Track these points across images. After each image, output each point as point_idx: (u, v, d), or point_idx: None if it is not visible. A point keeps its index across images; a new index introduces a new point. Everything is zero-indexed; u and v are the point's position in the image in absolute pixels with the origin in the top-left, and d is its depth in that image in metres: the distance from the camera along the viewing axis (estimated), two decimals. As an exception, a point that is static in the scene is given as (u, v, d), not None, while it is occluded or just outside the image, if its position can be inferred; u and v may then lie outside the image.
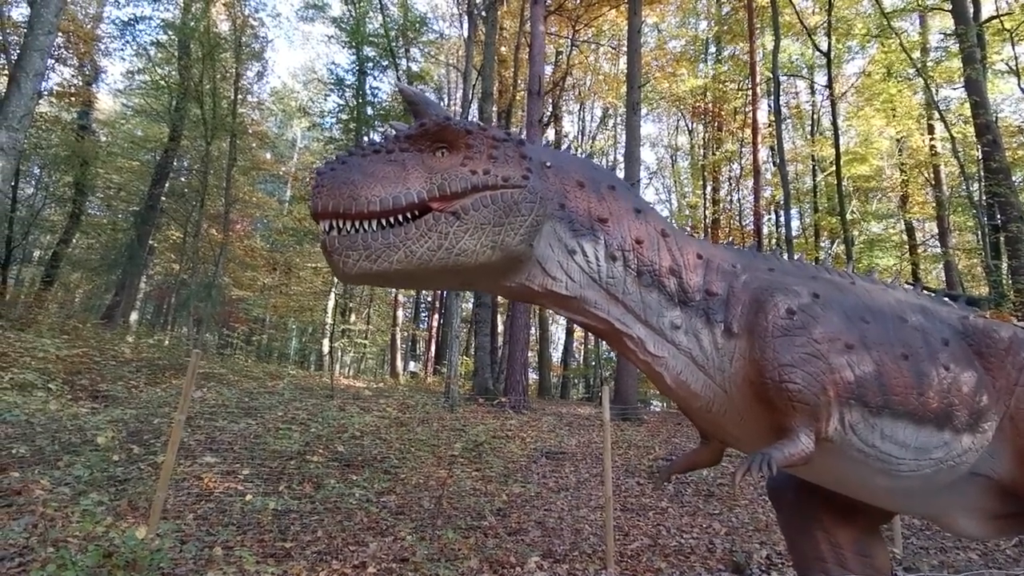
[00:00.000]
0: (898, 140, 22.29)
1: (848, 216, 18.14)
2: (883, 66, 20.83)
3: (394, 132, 2.33)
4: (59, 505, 4.67)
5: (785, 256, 3.09)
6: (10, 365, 7.99)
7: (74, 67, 20.61)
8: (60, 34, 15.44)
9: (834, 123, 17.88)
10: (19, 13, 17.45)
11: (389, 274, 2.13)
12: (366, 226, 2.09)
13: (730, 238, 26.07)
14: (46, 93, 18.00)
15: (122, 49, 22.90)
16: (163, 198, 23.00)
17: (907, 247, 22.52)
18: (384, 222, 2.10)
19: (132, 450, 5.90)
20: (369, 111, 24.98)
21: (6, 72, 14.77)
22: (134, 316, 23.34)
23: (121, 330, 18.43)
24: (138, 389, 9.16)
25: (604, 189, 2.56)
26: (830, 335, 2.49)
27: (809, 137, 26.38)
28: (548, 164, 2.48)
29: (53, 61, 17.43)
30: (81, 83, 21.00)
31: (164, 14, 22.89)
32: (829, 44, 18.03)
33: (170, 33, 22.42)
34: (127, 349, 13.08)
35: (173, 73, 23.02)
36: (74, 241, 22.74)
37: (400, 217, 2.12)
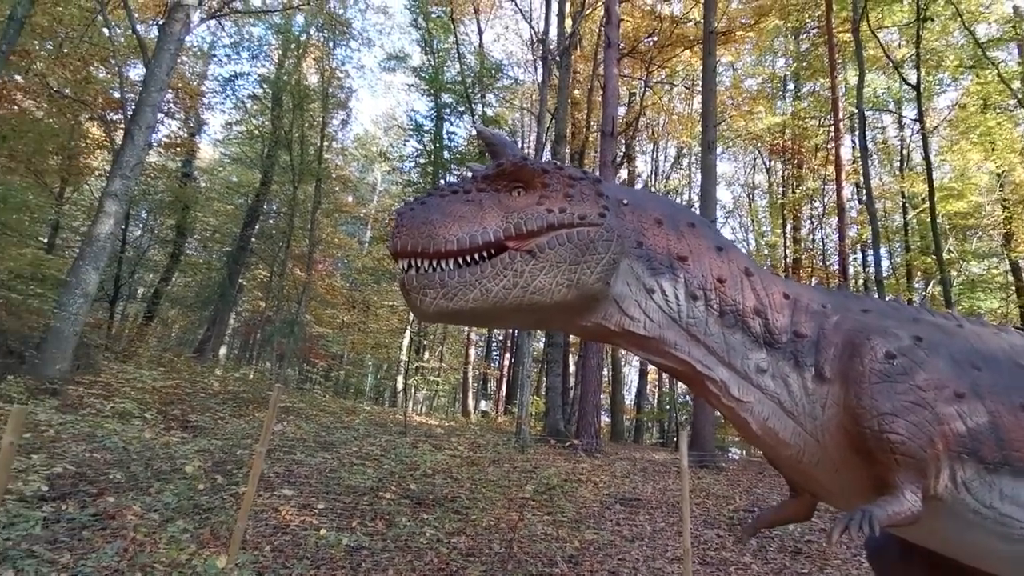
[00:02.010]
0: (999, 175, 20.87)
1: (945, 255, 17.01)
2: (979, 98, 19.71)
3: (471, 173, 2.36)
4: (148, 531, 4.88)
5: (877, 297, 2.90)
6: (112, 394, 8.56)
7: (180, 120, 22.50)
8: (169, 91, 16.91)
9: (926, 158, 16.96)
10: (135, 73, 19.28)
11: (465, 312, 2.14)
12: (443, 265, 2.12)
13: (812, 278, 25.02)
14: (155, 144, 19.65)
15: (222, 103, 24.98)
16: (253, 239, 24.46)
17: (1013, 289, 20.81)
18: (461, 261, 2.12)
19: (216, 480, 6.13)
20: (446, 155, 25.83)
21: (122, 126, 16.26)
22: (223, 350, 24.68)
23: (211, 363, 19.47)
24: (223, 420, 9.56)
25: (683, 227, 2.49)
26: (936, 382, 2.29)
27: (898, 173, 25.12)
28: (625, 202, 2.45)
29: (163, 115, 19.07)
30: (186, 134, 22.89)
31: (260, 70, 24.75)
32: (918, 77, 17.26)
33: (265, 87, 24.19)
34: (215, 382, 13.75)
35: (266, 123, 24.74)
36: (173, 279, 24.43)
37: (477, 256, 2.13)
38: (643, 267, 2.35)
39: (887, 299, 2.89)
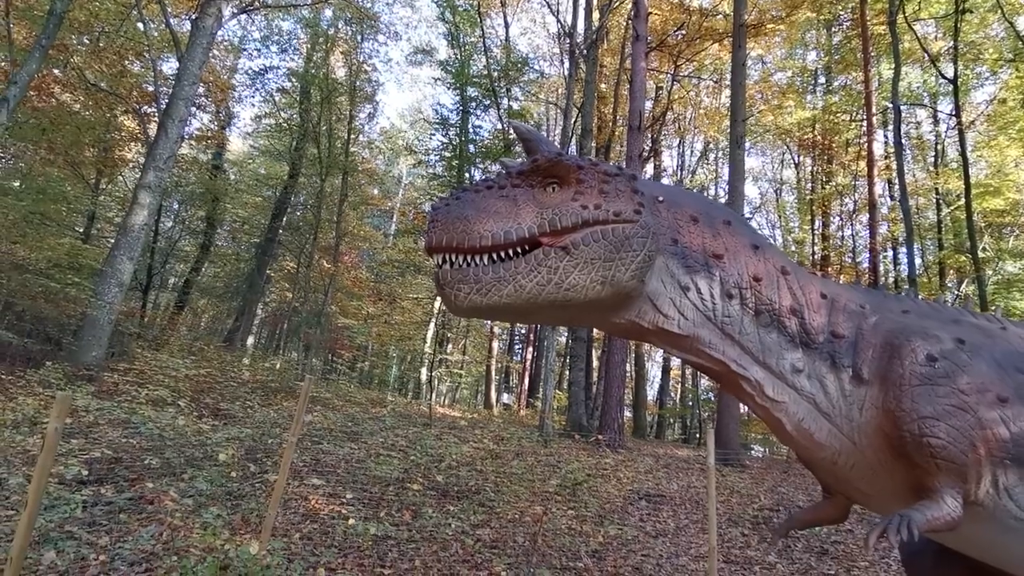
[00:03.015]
0: (1038, 171, 20.28)
1: (980, 254, 16.58)
2: (1019, 92, 19.14)
3: (505, 168, 2.36)
4: (183, 516, 5.01)
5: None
6: (147, 382, 8.75)
7: (211, 113, 22.88)
8: (201, 84, 17.19)
9: (963, 154, 16.53)
10: (168, 67, 19.63)
11: (499, 308, 2.13)
12: (477, 260, 2.12)
13: (841, 276, 24.59)
14: (187, 137, 20.01)
15: (252, 96, 25.35)
16: (280, 231, 24.80)
17: (1052, 289, 20.21)
18: (495, 256, 2.13)
19: (248, 467, 6.26)
20: (471, 149, 25.85)
21: (155, 119, 16.58)
22: (250, 340, 25.09)
23: (239, 353, 19.81)
24: (253, 409, 9.73)
25: (719, 224, 2.47)
26: (979, 386, 2.24)
27: (932, 169, 24.54)
28: (661, 199, 2.43)
29: (195, 108, 19.39)
30: (216, 127, 23.26)
31: (290, 63, 25.05)
32: (955, 70, 16.82)
33: (294, 80, 24.46)
34: (245, 371, 13.99)
35: (294, 116, 25.03)
36: (203, 270, 24.89)
37: (511, 252, 2.13)
38: (678, 264, 2.34)
39: (925, 299, 2.83)
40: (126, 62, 17.32)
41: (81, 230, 17.99)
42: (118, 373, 9.27)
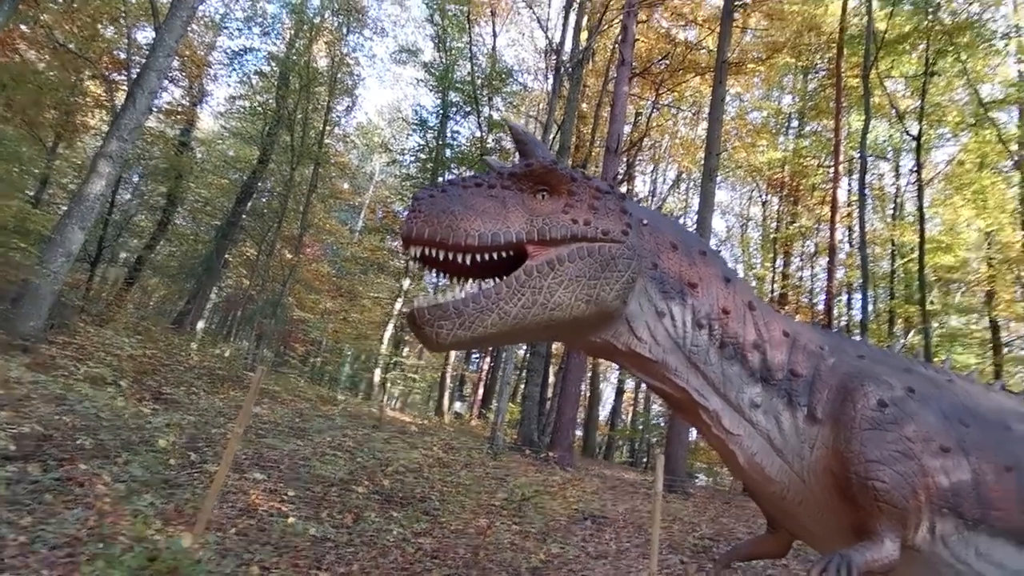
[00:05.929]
0: (987, 233, 21.27)
1: (928, 306, 17.26)
2: (976, 156, 20.09)
3: (494, 168, 2.28)
4: (113, 501, 4.79)
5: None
6: (87, 358, 8.41)
7: (184, 88, 22.27)
8: (176, 58, 16.71)
9: (920, 209, 17.26)
10: (143, 36, 19.08)
11: (484, 338, 2.07)
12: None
13: (797, 315, 25.27)
14: (156, 110, 19.40)
15: (228, 76, 24.90)
16: (244, 216, 24.21)
17: (991, 346, 21.16)
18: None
19: (188, 456, 6.03)
20: (448, 153, 25.78)
21: (124, 87, 16.06)
22: (201, 324, 24.34)
23: (188, 336, 19.20)
24: (198, 396, 9.44)
25: (696, 254, 2.51)
26: (924, 434, 2.32)
27: (889, 220, 25.52)
28: (645, 222, 2.45)
29: (167, 82, 18.85)
30: (188, 103, 22.62)
31: (270, 47, 24.62)
32: (920, 129, 17.58)
33: (273, 65, 24.04)
34: (192, 356, 13.56)
35: (270, 101, 24.54)
36: (158, 247, 24.08)
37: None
38: (656, 289, 2.35)
39: (879, 346, 2.92)
40: (99, 26, 16.74)
41: (32, 193, 17.22)
42: (56, 346, 8.89)
